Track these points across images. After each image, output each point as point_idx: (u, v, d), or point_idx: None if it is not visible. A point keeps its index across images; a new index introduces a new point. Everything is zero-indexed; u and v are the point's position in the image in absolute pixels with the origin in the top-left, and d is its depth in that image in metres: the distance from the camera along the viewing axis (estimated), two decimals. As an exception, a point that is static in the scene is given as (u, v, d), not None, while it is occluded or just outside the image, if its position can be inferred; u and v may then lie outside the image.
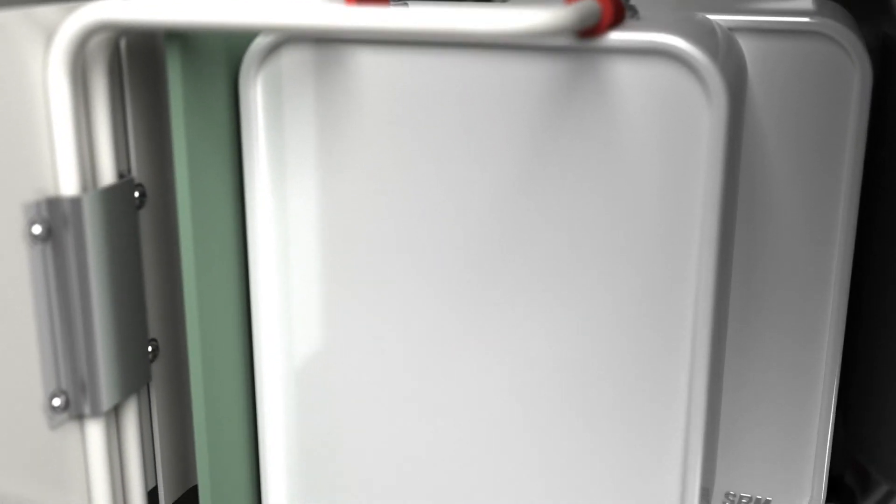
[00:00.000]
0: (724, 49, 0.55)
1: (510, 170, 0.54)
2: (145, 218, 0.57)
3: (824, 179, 0.61)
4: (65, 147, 0.50)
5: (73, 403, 0.53)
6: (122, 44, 0.54)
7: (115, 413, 0.57)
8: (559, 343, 0.56)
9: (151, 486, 0.61)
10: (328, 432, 0.61)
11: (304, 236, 0.58)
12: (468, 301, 0.57)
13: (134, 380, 0.56)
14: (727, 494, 0.67)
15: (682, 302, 0.54)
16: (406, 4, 0.57)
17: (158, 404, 0.60)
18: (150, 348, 0.58)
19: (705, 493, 0.61)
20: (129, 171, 0.56)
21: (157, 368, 0.60)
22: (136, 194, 0.56)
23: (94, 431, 0.54)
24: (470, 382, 0.58)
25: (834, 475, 0.78)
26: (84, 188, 0.52)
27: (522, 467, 0.59)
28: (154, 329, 0.59)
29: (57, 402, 0.52)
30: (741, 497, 0.67)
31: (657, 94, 0.51)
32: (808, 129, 0.61)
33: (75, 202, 0.51)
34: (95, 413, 0.53)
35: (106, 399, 0.53)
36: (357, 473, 0.61)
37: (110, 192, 0.52)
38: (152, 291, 0.59)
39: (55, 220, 0.50)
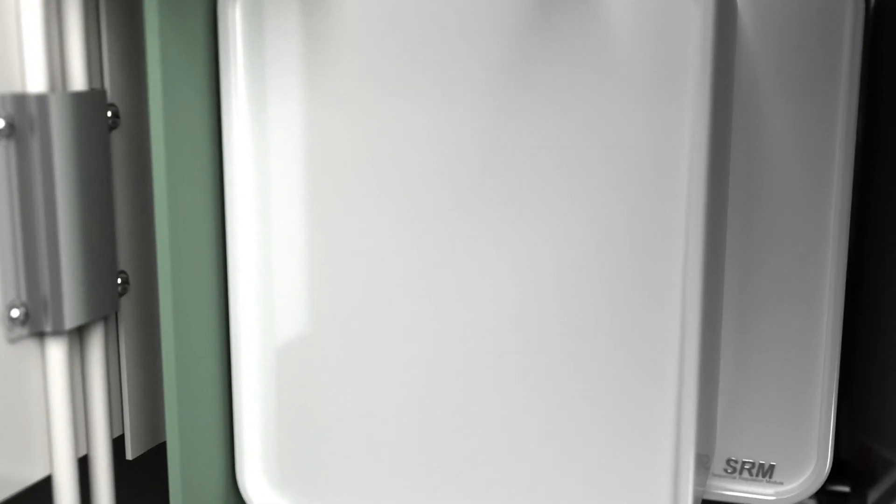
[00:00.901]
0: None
1: (496, 92, 0.52)
2: (118, 142, 0.55)
3: (821, 123, 0.60)
4: (33, 42, 0.49)
5: (32, 318, 0.50)
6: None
7: (81, 345, 0.54)
8: (548, 277, 0.53)
9: (118, 433, 0.58)
10: (309, 384, 0.58)
11: (284, 166, 0.56)
12: (454, 232, 0.54)
13: (100, 304, 0.53)
14: (729, 461, 0.64)
15: (672, 222, 0.51)
16: None
17: (127, 345, 0.57)
18: (119, 280, 0.55)
19: (703, 459, 0.58)
20: (102, 87, 0.54)
21: (126, 306, 0.57)
22: (109, 114, 0.54)
23: (55, 351, 0.51)
24: (457, 319, 0.55)
25: (843, 459, 0.75)
26: (52, 89, 0.50)
27: (510, 411, 0.56)
28: (125, 262, 0.56)
29: (15, 313, 0.49)
30: (744, 462, 0.63)
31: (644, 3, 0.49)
32: (802, 66, 0.59)
33: (41, 100, 0.49)
34: (57, 330, 0.50)
35: (69, 317, 0.51)
36: (338, 425, 0.58)
37: (80, 98, 0.51)
38: (124, 222, 0.56)
39: (20, 117, 0.48)
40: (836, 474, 0.70)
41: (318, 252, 0.56)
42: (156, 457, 0.59)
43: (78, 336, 0.54)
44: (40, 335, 0.51)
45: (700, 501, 0.57)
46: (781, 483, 0.63)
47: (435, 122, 0.54)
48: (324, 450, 0.58)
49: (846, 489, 0.69)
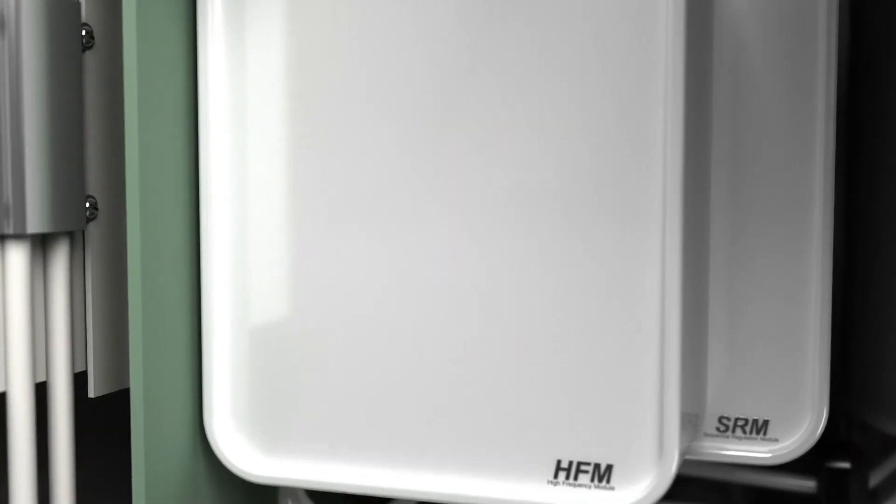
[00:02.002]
0: None
1: (466, 30, 0.51)
2: (91, 64, 0.54)
3: (801, 76, 0.59)
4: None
5: (-8, 218, 0.48)
6: None
7: (44, 261, 0.52)
8: (523, 222, 0.52)
9: (81, 369, 0.55)
10: (282, 326, 0.56)
11: (260, 94, 0.55)
12: (432, 156, 0.53)
13: (65, 218, 0.51)
14: (721, 419, 0.61)
15: (650, 166, 0.50)
16: None
17: (94, 275, 0.55)
18: (87, 204, 0.54)
19: (691, 417, 0.55)
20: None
21: (94, 233, 0.55)
22: (84, 32, 0.53)
23: (16, 256, 0.49)
24: (432, 266, 0.53)
25: (842, 440, 0.72)
26: (23, -11, 0.49)
27: (485, 358, 0.53)
28: (94, 188, 0.55)
29: (-25, 210, 0.48)
30: (737, 420, 0.61)
31: None
32: (780, 36, 0.59)
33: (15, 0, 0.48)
34: (18, 232, 0.49)
35: (31, 222, 0.49)
36: (311, 371, 0.55)
37: (54, 4, 0.50)
38: (95, 148, 0.55)
39: (-12, 9, 0.48)
40: (836, 451, 0.67)
41: (294, 187, 0.55)
42: (123, 399, 0.57)
43: (42, 250, 0.52)
44: (1, 238, 0.49)
45: (683, 455, 0.55)
46: (776, 440, 0.60)
47: (406, 59, 0.53)
48: (296, 396, 0.55)
49: (846, 465, 0.66)
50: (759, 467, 0.69)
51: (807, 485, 0.67)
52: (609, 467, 0.51)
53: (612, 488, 0.51)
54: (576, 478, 0.51)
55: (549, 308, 0.52)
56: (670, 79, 0.49)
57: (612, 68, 0.50)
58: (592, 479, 0.51)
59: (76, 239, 0.54)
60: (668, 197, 0.49)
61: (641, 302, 0.50)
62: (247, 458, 0.56)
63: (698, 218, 0.56)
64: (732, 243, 0.60)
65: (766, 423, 0.60)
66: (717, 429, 0.61)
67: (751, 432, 0.60)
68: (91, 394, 0.55)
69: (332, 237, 0.55)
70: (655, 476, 0.50)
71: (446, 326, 0.53)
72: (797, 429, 0.60)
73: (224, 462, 0.56)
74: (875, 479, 0.68)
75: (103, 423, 0.61)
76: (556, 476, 0.52)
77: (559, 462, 0.52)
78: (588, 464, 0.51)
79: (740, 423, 0.60)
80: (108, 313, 0.56)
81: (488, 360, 0.52)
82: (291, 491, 0.61)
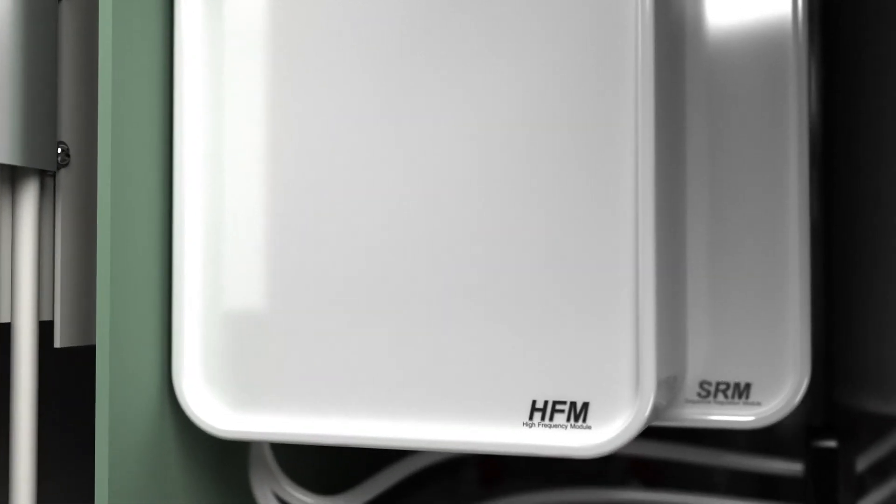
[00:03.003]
0: None
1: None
2: (67, 14, 0.55)
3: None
4: None
5: (-41, 143, 0.48)
6: None
7: (13, 197, 0.52)
8: (495, 151, 0.52)
9: (47, 317, 0.54)
10: (255, 278, 0.55)
11: (235, 32, 0.55)
12: (404, 102, 0.53)
13: (34, 155, 0.51)
14: (702, 384, 0.59)
15: (622, 104, 0.50)
16: None
17: (63, 225, 0.54)
18: (59, 150, 0.54)
19: (670, 380, 0.54)
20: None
21: (65, 181, 0.54)
22: (59, -22, 0.54)
23: (-20, 184, 0.49)
24: (404, 198, 0.53)
25: (828, 416, 0.70)
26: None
27: (456, 299, 0.52)
28: (66, 135, 0.55)
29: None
30: (718, 384, 0.59)
31: None
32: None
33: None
34: (-17, 158, 0.48)
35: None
36: (284, 325, 0.54)
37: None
38: (69, 95, 0.55)
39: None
40: (822, 432, 0.66)
41: (270, 130, 0.55)
42: (92, 353, 0.55)
43: (10, 186, 0.52)
44: (-33, 167, 0.49)
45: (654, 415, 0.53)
46: (759, 403, 0.59)
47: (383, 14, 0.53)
48: (267, 350, 0.54)
49: (833, 444, 0.65)
50: (745, 451, 0.68)
51: (793, 468, 0.66)
52: (585, 405, 0.50)
53: (589, 427, 0.49)
54: (551, 418, 0.50)
55: (522, 245, 0.51)
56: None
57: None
58: (568, 419, 0.50)
59: (46, 184, 0.54)
60: (641, 127, 0.49)
61: (616, 237, 0.50)
62: (216, 414, 0.55)
63: (674, 157, 0.55)
64: (713, 207, 0.60)
65: (748, 386, 0.59)
66: (699, 394, 0.59)
67: (733, 396, 0.59)
68: (57, 343, 0.54)
69: (309, 185, 0.54)
70: (632, 412, 0.49)
71: (417, 270, 0.52)
72: (780, 390, 0.58)
73: (192, 418, 0.55)
74: (862, 459, 0.66)
75: (70, 377, 0.60)
76: (531, 417, 0.50)
77: (534, 403, 0.50)
78: (564, 403, 0.50)
79: (722, 387, 0.59)
80: (77, 264, 0.55)
81: (460, 302, 0.51)
82: (259, 451, 0.59)
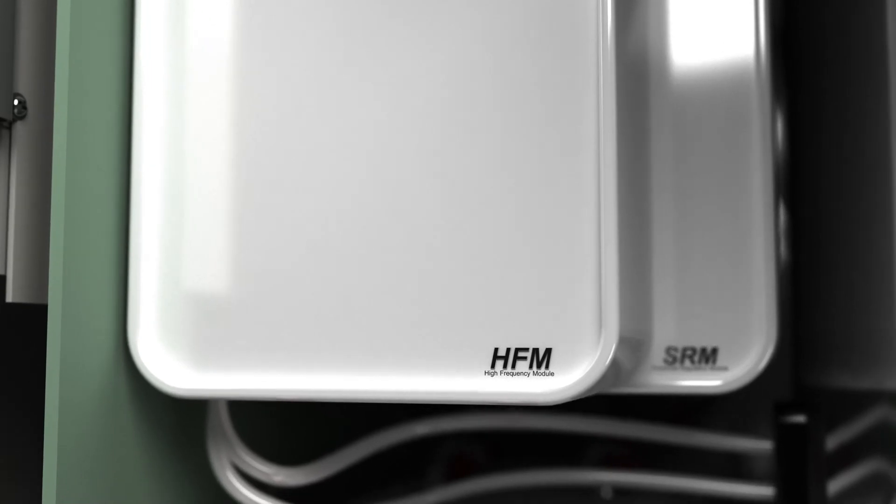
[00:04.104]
0: None
1: None
2: (27, -33, 0.54)
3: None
4: None
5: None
6: None
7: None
8: (452, 110, 0.51)
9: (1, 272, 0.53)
10: (214, 235, 0.54)
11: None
12: (370, 54, 0.53)
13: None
14: (669, 350, 0.59)
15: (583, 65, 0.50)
16: None
17: (18, 178, 0.53)
18: (15, 101, 0.53)
19: (634, 343, 0.53)
20: None
21: (21, 134, 0.54)
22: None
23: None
24: (364, 154, 0.52)
25: (798, 392, 0.69)
26: None
27: (413, 256, 0.52)
28: (23, 87, 0.54)
29: None
30: (685, 349, 0.59)
31: None
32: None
33: None
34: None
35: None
36: (243, 284, 0.53)
37: None
38: (28, 48, 0.54)
39: None
40: (790, 407, 0.65)
41: (234, 90, 0.54)
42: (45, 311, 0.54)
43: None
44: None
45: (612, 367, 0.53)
46: (726, 368, 0.58)
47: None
48: (223, 306, 0.53)
49: (802, 420, 0.64)
50: (714, 432, 0.67)
51: (763, 446, 0.65)
52: (548, 352, 0.49)
53: (552, 374, 0.49)
54: (514, 366, 0.49)
55: (483, 193, 0.50)
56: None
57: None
58: (531, 366, 0.49)
59: (2, 136, 0.53)
60: (603, 81, 0.49)
61: (578, 180, 0.49)
62: (171, 373, 0.53)
63: (638, 122, 0.55)
64: (677, 170, 0.59)
65: (714, 351, 0.58)
66: (665, 360, 0.59)
67: (699, 362, 0.58)
68: (8, 298, 0.52)
69: (269, 143, 0.53)
70: (596, 357, 0.48)
71: (376, 221, 0.51)
72: (747, 355, 0.58)
73: (147, 376, 0.53)
74: (833, 436, 0.66)
75: (21, 333, 0.58)
76: (493, 366, 0.49)
77: (496, 350, 0.49)
78: (526, 350, 0.49)
79: (688, 352, 0.59)
80: (32, 218, 0.54)
81: (418, 249, 0.51)
82: (217, 418, 0.58)
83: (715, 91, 0.59)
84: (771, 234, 0.58)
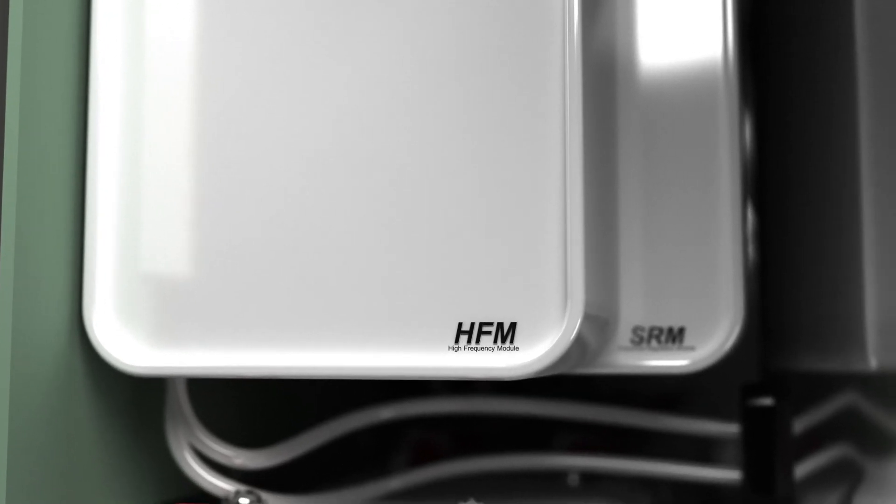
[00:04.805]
0: None
1: None
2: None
3: None
4: None
5: None
6: None
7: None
8: (411, 76, 0.51)
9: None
10: (174, 201, 0.53)
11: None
12: (333, 26, 0.52)
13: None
14: (636, 329, 0.58)
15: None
16: None
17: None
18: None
19: (600, 320, 0.53)
20: None
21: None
22: None
23: None
24: (329, 112, 0.51)
25: (764, 376, 0.69)
26: None
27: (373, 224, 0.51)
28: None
29: None
30: (651, 329, 0.58)
31: None
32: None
33: None
34: None
35: None
36: (204, 255, 0.52)
37: None
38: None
39: None
40: (757, 389, 0.64)
41: (197, 58, 0.53)
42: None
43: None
44: None
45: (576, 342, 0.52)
46: (693, 347, 0.57)
47: None
48: (183, 282, 0.52)
49: (769, 403, 0.63)
50: (682, 416, 0.66)
51: (729, 430, 0.64)
52: (513, 325, 0.48)
53: (517, 349, 0.48)
54: (478, 340, 0.48)
55: (446, 164, 0.49)
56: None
57: None
58: (495, 341, 0.48)
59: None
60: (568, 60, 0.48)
61: (543, 150, 0.48)
62: (128, 350, 0.52)
63: (604, 94, 0.55)
64: (646, 156, 0.59)
65: (681, 330, 0.58)
66: (632, 340, 0.58)
67: (666, 341, 0.58)
68: (-40, 272, 0.51)
69: (230, 118, 0.52)
70: (562, 331, 0.47)
71: (335, 192, 0.50)
72: (714, 333, 0.57)
73: (103, 354, 0.52)
74: (800, 420, 0.65)
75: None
76: (457, 340, 0.48)
77: (460, 325, 0.48)
78: (490, 324, 0.48)
79: (655, 332, 0.58)
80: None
81: (380, 224, 0.50)
82: (175, 399, 0.56)
83: (684, 83, 0.59)
84: (739, 214, 0.57)
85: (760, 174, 0.77)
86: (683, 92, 0.59)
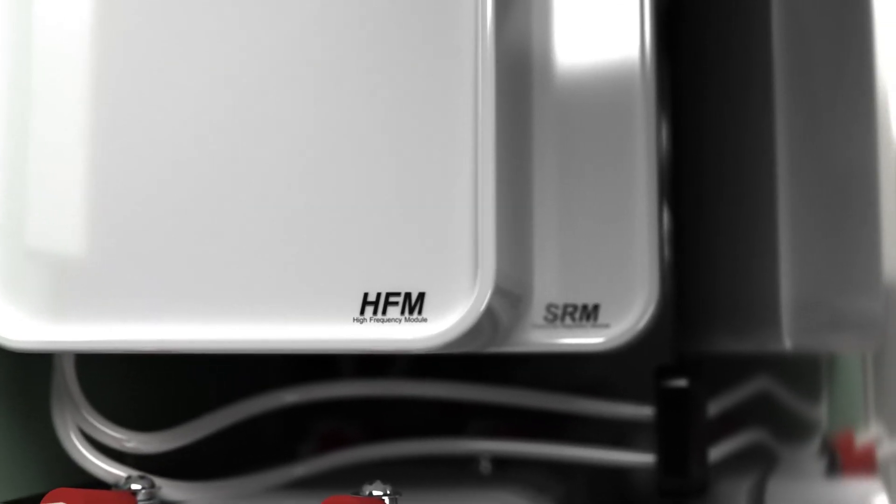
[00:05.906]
0: None
1: None
2: None
3: None
4: None
5: None
6: None
7: None
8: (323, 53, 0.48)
9: None
10: (60, 169, 0.50)
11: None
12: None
13: None
14: (549, 307, 0.56)
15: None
16: None
17: None
18: None
19: (513, 298, 0.51)
20: None
21: None
22: None
23: None
24: (236, 81, 0.49)
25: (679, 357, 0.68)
26: None
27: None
28: None
29: None
30: (565, 306, 0.56)
31: None
32: None
33: None
34: None
35: None
36: (95, 211, 0.49)
37: None
38: None
39: None
40: (671, 371, 0.63)
41: (97, 28, 0.50)
42: None
43: None
44: None
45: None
46: (608, 325, 0.56)
47: None
48: (76, 253, 0.49)
49: (683, 384, 0.62)
50: (595, 399, 0.65)
51: (643, 412, 0.63)
52: (421, 296, 0.46)
53: (425, 320, 0.45)
54: (384, 312, 0.46)
55: (353, 132, 0.47)
56: None
57: None
58: (403, 312, 0.46)
59: None
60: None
61: (454, 119, 0.46)
62: (10, 324, 0.49)
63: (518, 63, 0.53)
64: (561, 135, 0.57)
65: (596, 307, 0.56)
66: (546, 318, 0.56)
67: (581, 319, 0.56)
68: None
69: (125, 82, 0.49)
70: (471, 302, 0.45)
71: (236, 158, 0.48)
72: (629, 311, 0.56)
73: (-17, 329, 0.49)
74: (714, 403, 0.64)
75: None
76: (362, 312, 0.46)
77: (366, 295, 0.46)
78: (398, 294, 0.46)
79: (569, 310, 0.56)
80: None
81: (283, 190, 0.47)
82: (62, 379, 0.53)
83: (601, 70, 0.58)
84: (654, 191, 0.56)
85: (676, 161, 0.76)
86: (601, 76, 0.58)
